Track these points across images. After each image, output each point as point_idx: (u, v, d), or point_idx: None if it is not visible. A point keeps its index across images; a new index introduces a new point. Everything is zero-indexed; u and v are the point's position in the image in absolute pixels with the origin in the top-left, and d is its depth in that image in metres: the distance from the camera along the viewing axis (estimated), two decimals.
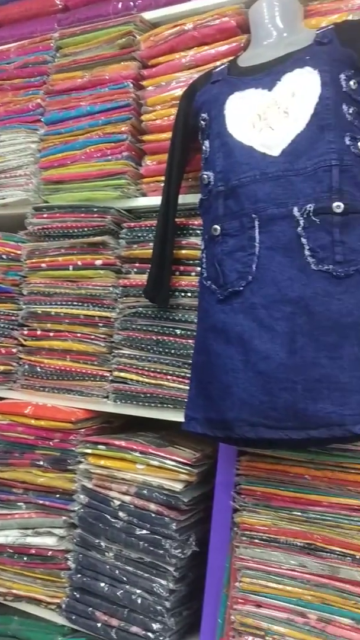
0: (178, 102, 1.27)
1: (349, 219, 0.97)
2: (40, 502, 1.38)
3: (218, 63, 1.27)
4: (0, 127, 1.62)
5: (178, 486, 1.21)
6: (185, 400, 1.15)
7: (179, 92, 1.32)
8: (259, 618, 1.10)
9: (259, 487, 1.13)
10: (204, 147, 1.15)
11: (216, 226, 1.07)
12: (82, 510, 1.32)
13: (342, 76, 1.02)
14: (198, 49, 1.33)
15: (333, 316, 0.94)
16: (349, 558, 1.04)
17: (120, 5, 1.48)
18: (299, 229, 0.97)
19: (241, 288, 1.01)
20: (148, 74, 1.40)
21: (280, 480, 1.12)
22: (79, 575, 1.30)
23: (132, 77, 1.41)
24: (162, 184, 1.28)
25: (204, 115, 1.16)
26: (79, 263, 1.42)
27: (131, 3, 1.47)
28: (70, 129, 1.48)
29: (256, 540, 1.12)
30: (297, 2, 1.20)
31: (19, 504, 1.42)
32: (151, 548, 1.20)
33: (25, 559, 1.39)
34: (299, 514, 1.09)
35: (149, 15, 1.43)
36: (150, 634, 1.20)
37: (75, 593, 1.31)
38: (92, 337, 1.40)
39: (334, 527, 1.06)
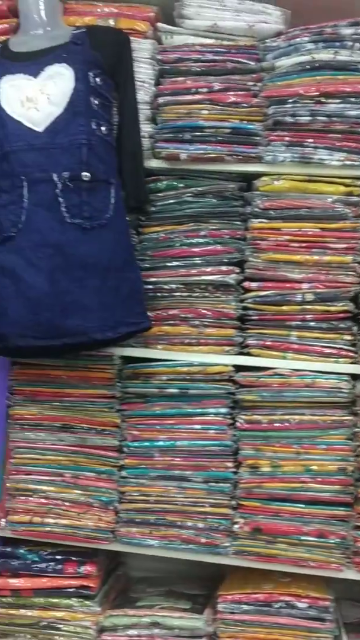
0: None
1: (94, 185, 1.32)
2: None
3: None
4: None
5: None
6: None
7: None
8: (28, 482, 1.48)
9: (27, 387, 1.48)
10: None
11: None
12: None
13: (91, 74, 1.35)
14: None
15: (81, 257, 1.30)
16: (93, 430, 1.46)
17: None
18: (57, 190, 1.30)
19: (13, 234, 1.31)
20: None
21: (44, 380, 1.48)
22: None
23: None
24: None
25: None
26: None
27: None
28: None
29: (25, 426, 1.48)
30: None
31: None
32: None
33: None
34: (58, 403, 1.47)
35: None
36: None
37: None
38: None
39: (82, 410, 1.46)
